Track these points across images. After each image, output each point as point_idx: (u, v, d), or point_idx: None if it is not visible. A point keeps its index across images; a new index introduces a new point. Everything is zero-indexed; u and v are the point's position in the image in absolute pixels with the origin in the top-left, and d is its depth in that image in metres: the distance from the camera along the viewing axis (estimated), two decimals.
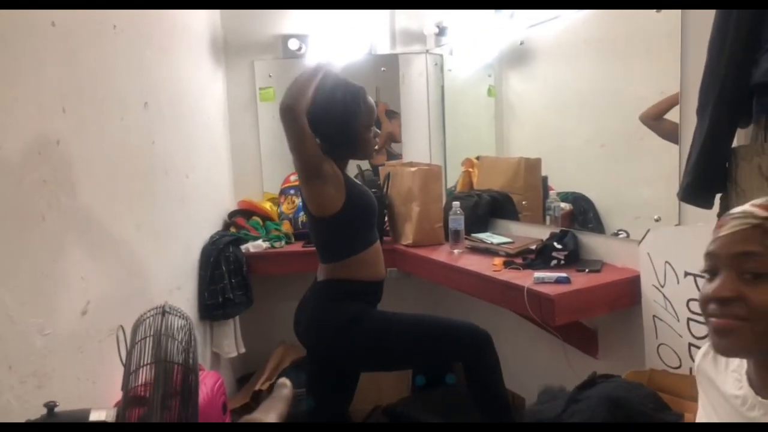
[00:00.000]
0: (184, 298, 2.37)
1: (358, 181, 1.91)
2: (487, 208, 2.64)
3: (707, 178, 1.21)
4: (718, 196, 1.28)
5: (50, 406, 1.08)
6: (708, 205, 1.29)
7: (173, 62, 2.33)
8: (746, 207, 0.83)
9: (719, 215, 1.30)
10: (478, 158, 2.90)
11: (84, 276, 1.57)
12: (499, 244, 2.33)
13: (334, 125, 1.77)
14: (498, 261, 2.18)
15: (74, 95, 1.56)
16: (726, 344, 0.81)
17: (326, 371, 1.92)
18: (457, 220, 2.42)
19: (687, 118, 1.74)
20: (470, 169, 2.92)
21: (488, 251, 2.34)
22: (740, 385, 0.87)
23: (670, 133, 1.86)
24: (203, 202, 2.61)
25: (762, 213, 0.81)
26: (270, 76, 3.03)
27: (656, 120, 1.94)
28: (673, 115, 1.85)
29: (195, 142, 2.52)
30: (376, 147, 1.92)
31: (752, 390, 0.84)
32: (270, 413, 0.50)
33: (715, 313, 0.81)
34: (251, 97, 3.05)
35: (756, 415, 0.83)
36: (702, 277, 1.63)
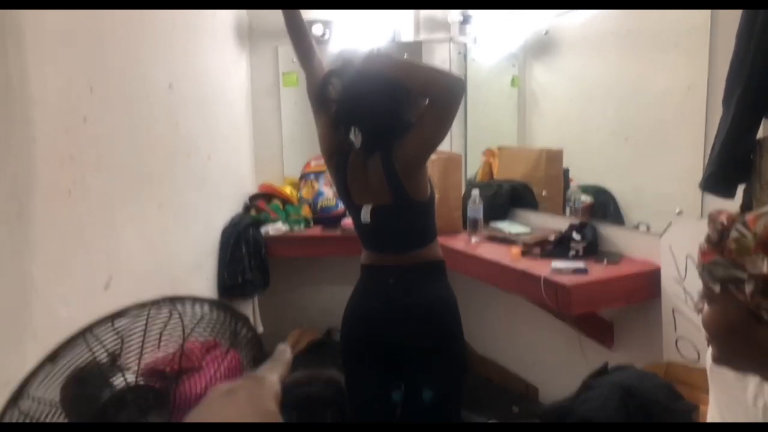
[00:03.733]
0: (204, 277, 2.41)
1: None
2: (507, 197, 2.63)
3: (731, 169, 1.19)
4: (741, 188, 1.26)
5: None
6: (730, 195, 1.27)
7: (198, 46, 2.35)
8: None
9: (742, 207, 1.28)
10: (499, 148, 2.88)
11: (107, 251, 1.61)
12: (517, 234, 2.33)
13: None
14: (516, 250, 2.17)
15: (102, 75, 1.59)
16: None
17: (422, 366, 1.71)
18: (476, 208, 2.41)
19: (713, 110, 1.70)
20: (491, 159, 2.91)
21: (506, 240, 2.34)
22: (762, 388, 0.84)
23: None
24: (224, 185, 2.64)
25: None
26: (293, 61, 2.99)
27: None
28: (699, 108, 1.81)
29: (218, 124, 2.55)
30: None
31: None
32: (273, 373, 0.52)
33: None
34: (274, 82, 3.06)
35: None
36: None
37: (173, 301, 1.21)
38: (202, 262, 2.39)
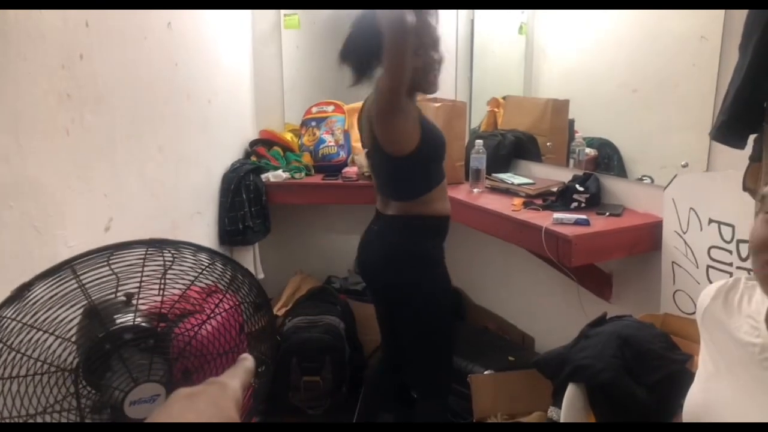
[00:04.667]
0: (205, 222, 2.41)
1: (428, 117, 1.80)
2: (511, 148, 2.60)
3: (743, 117, 1.17)
4: (751, 138, 1.24)
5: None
6: (741, 145, 1.25)
7: None
8: None
9: (751, 158, 1.26)
10: (504, 98, 2.83)
11: (107, 193, 1.60)
12: (519, 185, 2.31)
13: (423, 53, 1.66)
14: (518, 201, 2.16)
15: (98, 10, 1.53)
16: None
17: (392, 311, 1.91)
18: (479, 158, 2.39)
19: (727, 59, 1.66)
20: (496, 109, 2.86)
21: (508, 191, 2.33)
22: (757, 333, 0.84)
23: None
24: (225, 129, 2.60)
25: None
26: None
27: None
28: (712, 58, 1.76)
29: (218, 67, 2.49)
30: (433, 77, 1.72)
31: None
32: (234, 379, 0.52)
33: None
34: (276, 24, 2.98)
35: None
36: (727, 225, 1.60)
37: (175, 245, 1.20)
38: (203, 207, 2.39)
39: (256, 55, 2.99)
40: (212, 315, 1.26)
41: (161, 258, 1.16)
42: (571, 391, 1.31)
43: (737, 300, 0.91)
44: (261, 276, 2.73)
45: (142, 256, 1.10)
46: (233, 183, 2.53)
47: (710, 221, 1.68)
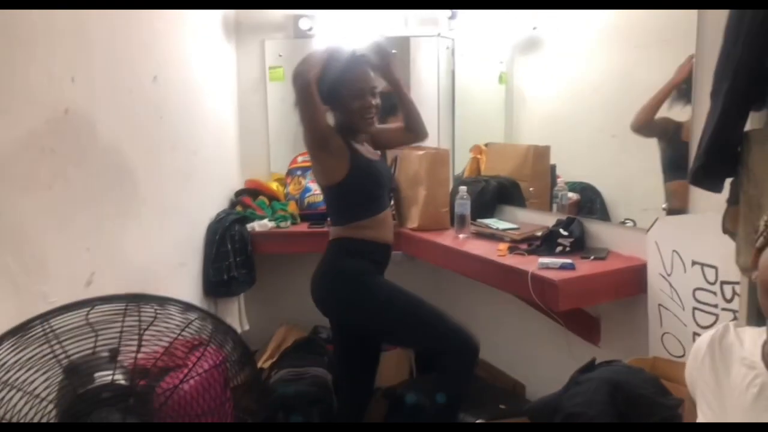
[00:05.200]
0: (189, 274, 2.38)
1: (367, 155, 1.97)
2: (494, 193, 2.63)
3: (718, 162, 1.19)
4: (728, 181, 1.27)
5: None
6: (717, 189, 1.27)
7: (183, 38, 2.32)
8: None
9: (728, 201, 1.29)
10: (486, 145, 2.88)
11: (89, 247, 1.58)
12: (504, 230, 2.32)
13: (329, 95, 1.86)
14: (503, 246, 2.17)
15: (84, 65, 1.55)
16: None
17: (344, 334, 2.07)
18: (464, 204, 2.41)
19: (700, 105, 1.71)
20: (478, 156, 2.90)
21: (494, 237, 2.33)
22: (755, 373, 0.85)
23: (664, 129, 1.91)
24: (210, 180, 2.61)
25: None
26: (280, 55, 3.01)
27: (648, 123, 1.95)
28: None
29: (203, 119, 2.52)
30: (369, 119, 1.92)
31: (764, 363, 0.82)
32: None
33: None
34: (261, 77, 3.03)
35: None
36: (710, 266, 1.61)
37: (156, 299, 1.18)
38: (187, 259, 2.36)
39: (242, 107, 3.03)
40: (188, 374, 1.22)
41: (141, 313, 1.14)
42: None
43: (731, 347, 0.90)
44: (246, 327, 2.69)
45: (122, 311, 1.08)
46: (218, 233, 2.52)
47: (693, 263, 1.69)
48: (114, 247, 1.71)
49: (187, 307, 1.11)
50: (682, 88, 1.84)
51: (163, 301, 1.09)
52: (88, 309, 1.02)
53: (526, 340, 2.52)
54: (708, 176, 1.24)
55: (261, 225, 2.64)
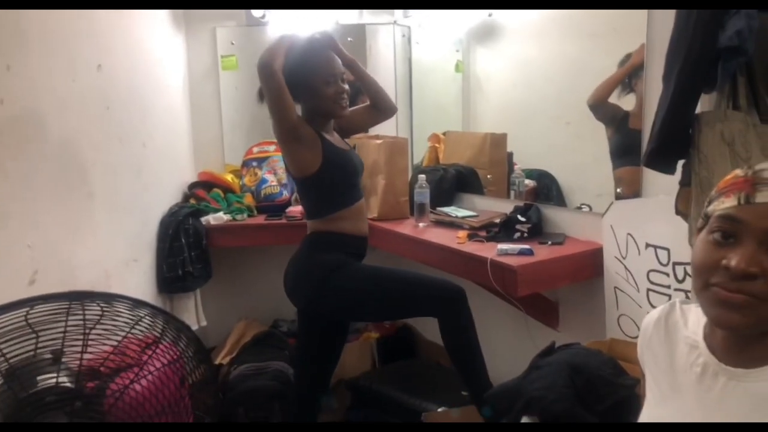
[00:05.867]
0: (142, 270, 2.30)
1: (338, 144, 1.94)
2: (453, 182, 2.63)
3: (671, 144, 1.21)
4: (680, 163, 1.29)
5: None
6: (670, 170, 1.29)
7: (129, 25, 2.22)
8: None
9: (681, 183, 1.31)
10: (444, 133, 2.88)
11: (31, 244, 1.49)
12: (463, 218, 2.33)
13: (298, 83, 1.82)
14: (462, 234, 2.17)
15: (20, 52, 1.46)
16: (735, 319, 0.74)
17: (313, 327, 2.03)
18: (423, 193, 2.40)
19: (651, 90, 1.74)
20: (437, 144, 2.90)
21: (453, 224, 2.34)
22: (697, 353, 0.84)
23: (613, 115, 1.95)
24: (162, 173, 2.52)
25: None
26: (232, 43, 2.94)
27: (604, 101, 1.98)
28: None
29: (153, 110, 2.42)
30: (343, 104, 1.89)
31: (714, 357, 0.82)
32: None
33: (727, 285, 0.74)
34: (213, 66, 2.95)
35: (721, 383, 0.80)
36: (663, 248, 1.65)
37: (103, 297, 1.13)
38: (139, 254, 2.28)
39: (194, 97, 2.94)
40: (140, 373, 1.17)
41: (88, 311, 1.08)
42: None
43: (675, 325, 0.91)
44: (204, 323, 2.62)
45: (65, 310, 1.03)
46: (171, 227, 2.44)
47: (647, 245, 1.73)
48: (59, 244, 1.63)
49: (136, 303, 1.06)
50: (624, 82, 1.90)
51: (109, 298, 1.03)
52: (27, 309, 0.96)
53: (487, 326, 2.53)
54: (661, 158, 1.26)
55: (216, 218, 2.57)
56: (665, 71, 1.22)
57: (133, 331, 1.10)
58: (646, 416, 0.93)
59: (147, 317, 1.10)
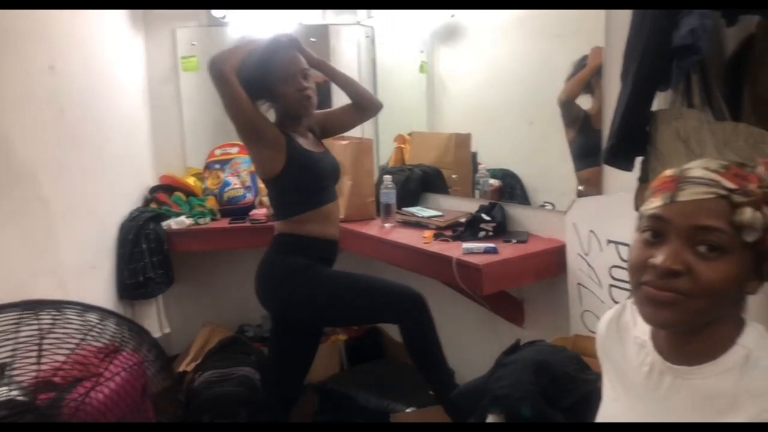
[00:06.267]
0: (101, 277, 2.23)
1: (309, 146, 1.91)
2: (419, 182, 2.63)
3: (629, 141, 1.23)
4: (638, 160, 1.31)
5: None
6: (629, 167, 1.32)
7: (84, 26, 2.16)
8: (706, 171, 0.75)
9: (639, 179, 1.33)
10: (410, 134, 2.88)
11: None
12: (429, 218, 2.33)
13: (257, 85, 1.80)
14: (428, 234, 2.18)
15: None
16: (663, 317, 0.75)
17: (284, 330, 2.00)
18: (389, 194, 2.40)
19: (610, 89, 1.77)
20: (402, 145, 2.90)
21: (419, 225, 2.34)
22: (645, 352, 0.85)
23: (577, 115, 1.99)
24: (120, 177, 2.46)
25: (729, 184, 0.73)
26: (193, 44, 2.88)
27: (575, 97, 2.01)
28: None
29: (110, 112, 2.36)
30: (306, 103, 1.86)
31: (660, 356, 0.83)
32: None
33: (655, 283, 0.75)
34: (173, 67, 2.88)
35: (667, 381, 0.81)
36: (624, 244, 1.67)
37: (56, 305, 1.08)
38: (98, 261, 2.21)
39: (154, 99, 2.87)
40: (97, 383, 1.14)
41: (40, 321, 1.04)
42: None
43: (626, 325, 0.92)
44: (167, 330, 2.56)
45: (16, 321, 0.98)
46: (132, 233, 2.38)
47: (608, 242, 1.76)
48: (9, 252, 1.56)
49: (86, 308, 1.02)
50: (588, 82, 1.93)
51: (59, 306, 0.99)
52: None
53: (454, 325, 2.54)
54: (620, 156, 1.28)
55: (178, 222, 2.52)
56: (623, 70, 1.24)
57: (87, 338, 1.06)
58: (601, 413, 0.94)
59: (98, 323, 1.06)
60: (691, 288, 0.73)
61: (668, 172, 0.80)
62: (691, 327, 0.77)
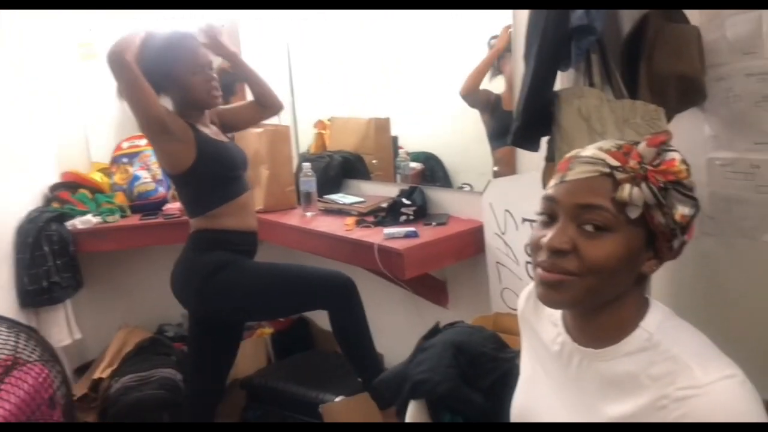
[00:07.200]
0: None
1: (215, 136, 1.86)
2: (339, 169, 2.60)
3: (533, 122, 1.25)
4: (544, 140, 1.33)
5: None
6: (535, 147, 1.34)
7: None
8: (597, 151, 0.76)
9: (546, 159, 1.35)
10: (330, 119, 2.83)
11: None
12: (351, 204, 2.30)
13: (162, 75, 1.72)
14: (350, 221, 2.15)
15: None
16: (553, 297, 0.76)
17: (205, 329, 1.93)
18: (309, 182, 2.35)
19: (519, 71, 1.79)
20: (323, 131, 2.84)
21: (341, 212, 2.31)
22: (557, 331, 0.86)
23: (486, 100, 2.02)
24: (12, 176, 2.27)
25: (613, 161, 0.73)
26: (90, 30, 2.69)
27: (475, 90, 2.03)
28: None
29: None
30: (214, 93, 1.80)
31: (569, 336, 0.84)
32: None
33: (544, 265, 0.75)
34: (70, 55, 2.68)
35: (576, 362, 0.82)
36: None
37: None
38: None
39: (50, 90, 2.66)
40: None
41: None
42: (412, 409, 1.29)
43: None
44: (78, 336, 2.42)
45: None
46: (31, 235, 2.22)
47: (523, 220, 1.79)
48: None
49: None
50: (494, 66, 1.96)
51: None
52: None
53: (380, 310, 2.53)
54: (526, 136, 1.29)
55: (83, 221, 2.37)
56: (525, 51, 1.25)
57: None
58: (519, 391, 0.95)
59: None
60: (578, 267, 0.73)
61: (567, 155, 0.81)
62: (590, 307, 0.78)
